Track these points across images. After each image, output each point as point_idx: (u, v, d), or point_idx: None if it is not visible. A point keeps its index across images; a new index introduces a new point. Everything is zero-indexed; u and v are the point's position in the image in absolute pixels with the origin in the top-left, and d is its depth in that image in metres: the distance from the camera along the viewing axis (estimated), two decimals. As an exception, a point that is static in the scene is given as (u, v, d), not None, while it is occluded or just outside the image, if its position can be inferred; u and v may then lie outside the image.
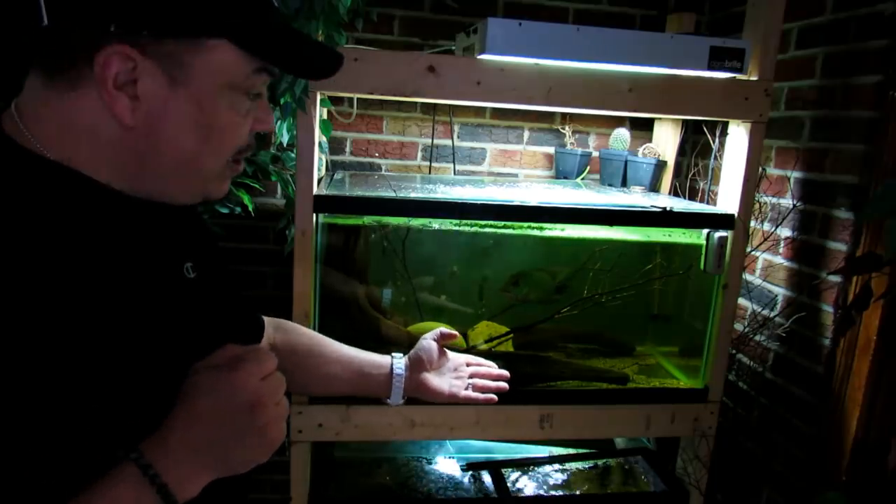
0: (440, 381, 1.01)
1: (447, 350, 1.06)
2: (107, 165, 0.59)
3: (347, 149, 1.89)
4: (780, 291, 1.53)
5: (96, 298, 0.56)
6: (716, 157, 1.64)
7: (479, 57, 1.23)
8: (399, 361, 1.00)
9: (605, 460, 1.65)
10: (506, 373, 1.09)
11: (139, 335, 0.60)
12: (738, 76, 1.30)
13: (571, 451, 1.65)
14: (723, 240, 1.38)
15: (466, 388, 1.03)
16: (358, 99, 1.82)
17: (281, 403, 0.62)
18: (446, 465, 1.60)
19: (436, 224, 1.41)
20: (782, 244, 1.52)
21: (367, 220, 1.40)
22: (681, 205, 1.48)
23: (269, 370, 0.61)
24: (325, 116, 1.61)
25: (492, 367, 1.09)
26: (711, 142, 1.66)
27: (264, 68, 0.62)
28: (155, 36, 0.55)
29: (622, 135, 1.82)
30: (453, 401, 1.01)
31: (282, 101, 1.19)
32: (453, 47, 1.44)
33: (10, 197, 0.55)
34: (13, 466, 0.49)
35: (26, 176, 0.57)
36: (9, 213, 0.54)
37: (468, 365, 1.07)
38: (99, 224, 0.59)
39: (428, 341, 1.02)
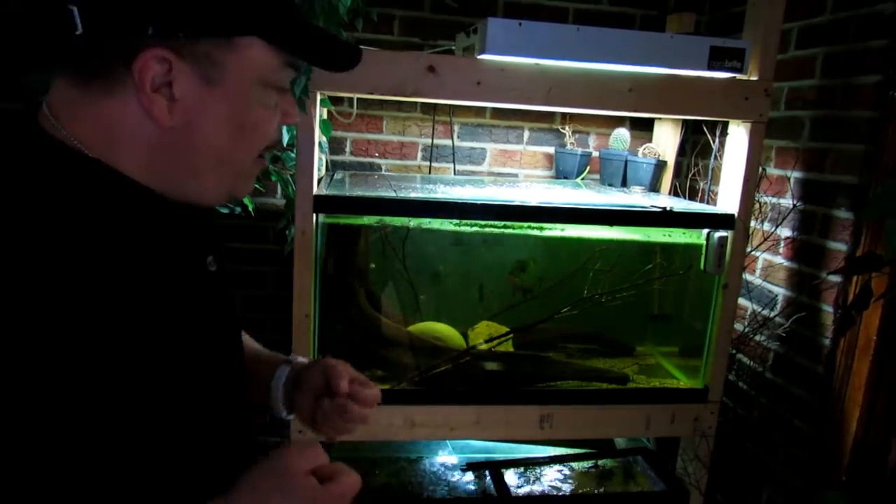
0: (308, 403, 0.83)
1: (338, 376, 0.82)
2: (144, 165, 0.60)
3: (347, 149, 1.89)
4: (780, 291, 1.53)
5: (130, 292, 0.57)
6: (716, 157, 1.64)
7: (479, 57, 1.23)
8: (283, 370, 0.86)
9: (605, 460, 1.65)
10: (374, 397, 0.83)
11: (169, 328, 0.61)
12: (738, 76, 1.30)
13: (571, 451, 1.65)
14: (723, 240, 1.38)
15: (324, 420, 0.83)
16: (358, 99, 1.82)
17: None
18: (446, 465, 1.60)
19: (425, 224, 1.41)
20: (782, 244, 1.52)
21: (367, 220, 1.40)
22: (681, 205, 1.48)
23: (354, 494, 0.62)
24: (325, 116, 1.61)
25: (368, 398, 0.82)
26: (711, 142, 1.66)
27: (291, 63, 0.64)
28: (190, 37, 0.57)
29: (622, 135, 1.82)
30: (310, 427, 0.85)
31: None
32: (453, 47, 1.44)
33: (50, 190, 0.56)
34: (33, 465, 0.49)
35: (66, 170, 0.58)
36: (47, 207, 0.55)
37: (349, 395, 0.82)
38: (133, 219, 0.61)
39: (324, 362, 0.84)
